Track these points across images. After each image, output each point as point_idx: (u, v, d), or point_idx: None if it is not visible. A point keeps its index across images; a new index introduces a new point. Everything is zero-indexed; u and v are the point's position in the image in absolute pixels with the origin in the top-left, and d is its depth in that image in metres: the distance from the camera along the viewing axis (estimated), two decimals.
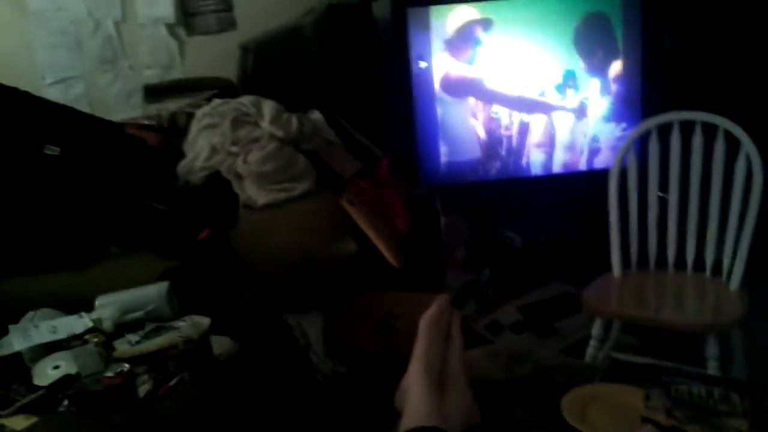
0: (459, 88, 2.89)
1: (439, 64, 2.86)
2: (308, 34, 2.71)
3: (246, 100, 2.29)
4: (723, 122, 2.07)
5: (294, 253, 1.86)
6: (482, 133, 2.95)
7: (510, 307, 2.60)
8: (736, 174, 2.04)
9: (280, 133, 2.15)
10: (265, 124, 2.18)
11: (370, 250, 2.01)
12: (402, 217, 2.21)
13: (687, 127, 2.13)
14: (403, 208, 2.24)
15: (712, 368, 1.89)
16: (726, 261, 2.08)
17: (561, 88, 2.95)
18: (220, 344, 1.61)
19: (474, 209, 2.92)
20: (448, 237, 2.53)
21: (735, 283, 2.03)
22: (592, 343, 2.07)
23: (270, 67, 2.69)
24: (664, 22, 3.16)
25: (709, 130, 2.10)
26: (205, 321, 1.55)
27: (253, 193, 2.02)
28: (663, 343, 2.25)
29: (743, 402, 1.22)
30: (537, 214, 2.98)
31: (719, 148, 2.07)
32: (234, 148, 2.13)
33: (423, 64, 2.86)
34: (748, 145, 2.01)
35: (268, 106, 2.24)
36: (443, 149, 2.93)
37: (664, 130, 2.17)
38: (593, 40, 2.91)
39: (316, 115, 2.37)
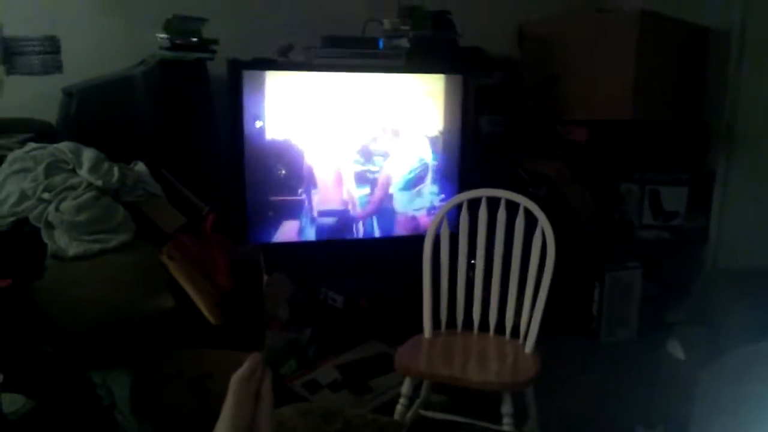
0: (288, 151, 2.97)
1: (272, 125, 2.92)
2: (137, 85, 2.67)
3: (64, 146, 2.20)
4: (523, 200, 2.29)
5: (103, 307, 1.78)
6: (311, 194, 3.04)
7: (329, 365, 2.63)
8: (533, 246, 2.26)
9: (98, 183, 2.08)
10: (83, 172, 2.10)
11: (189, 306, 1.97)
12: (224, 274, 2.20)
13: (493, 203, 2.34)
14: (226, 264, 2.23)
15: (507, 425, 2.02)
16: (523, 325, 2.27)
17: (385, 160, 3.12)
18: (13, 402, 1.50)
19: (299, 269, 2.96)
20: (270, 295, 2.54)
21: (530, 345, 2.22)
22: (402, 401, 2.15)
23: (94, 115, 2.61)
24: (482, 109, 3.49)
25: (512, 207, 2.32)
26: None
27: (63, 243, 1.92)
28: (471, 401, 2.39)
29: None
30: (360, 276, 3.08)
31: (519, 222, 2.30)
32: (47, 195, 2.03)
33: (258, 124, 2.91)
34: (543, 221, 2.24)
35: (88, 154, 2.17)
36: (272, 208, 2.97)
37: (475, 204, 2.37)
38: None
39: (140, 166, 2.32)
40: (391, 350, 2.23)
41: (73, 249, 1.90)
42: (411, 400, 2.18)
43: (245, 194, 2.89)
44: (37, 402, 1.55)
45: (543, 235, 2.23)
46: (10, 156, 2.15)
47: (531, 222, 2.27)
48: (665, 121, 3.56)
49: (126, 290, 1.87)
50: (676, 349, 2.94)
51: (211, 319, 1.94)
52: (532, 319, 2.22)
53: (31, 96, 2.89)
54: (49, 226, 1.96)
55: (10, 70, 2.94)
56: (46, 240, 1.92)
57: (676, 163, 3.64)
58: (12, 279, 1.75)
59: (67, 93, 2.66)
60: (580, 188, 3.52)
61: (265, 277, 2.48)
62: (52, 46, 3.01)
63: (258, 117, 2.90)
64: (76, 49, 3.01)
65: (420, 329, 2.34)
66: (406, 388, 2.15)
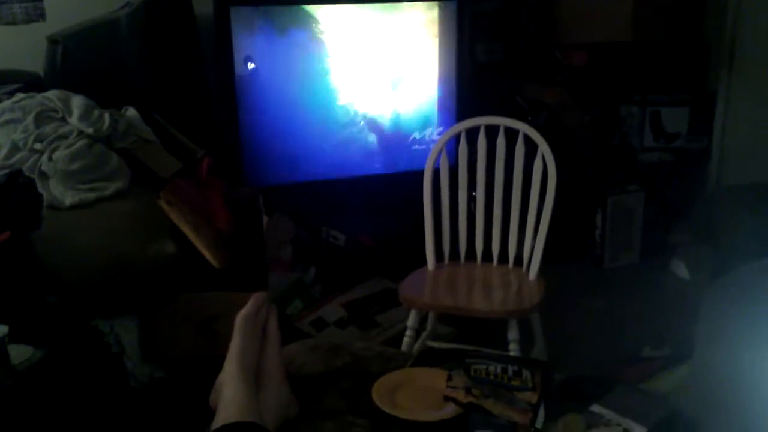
0: (283, 89, 2.91)
1: (264, 65, 2.85)
2: (123, 28, 2.60)
3: (53, 94, 2.15)
4: (522, 127, 2.26)
5: (104, 256, 1.78)
6: (307, 134, 2.99)
7: (334, 303, 2.66)
8: (534, 173, 2.24)
9: (89, 130, 2.04)
10: (74, 120, 2.06)
11: (191, 250, 1.96)
12: (223, 217, 2.18)
13: (492, 131, 2.30)
14: (224, 207, 2.21)
15: (513, 350, 2.04)
16: (526, 252, 2.27)
17: (383, 93, 3.06)
18: (20, 353, 1.51)
19: (300, 209, 2.95)
20: (272, 236, 2.54)
21: (533, 272, 2.23)
22: (408, 332, 2.17)
23: (81, 61, 2.55)
24: (479, 36, 3.40)
25: (511, 135, 2.28)
26: (0, 329, 1.44)
27: (59, 192, 1.90)
28: (478, 331, 2.41)
29: (533, 377, 1.35)
30: (361, 213, 3.07)
31: (519, 149, 2.26)
32: (38, 146, 1.99)
33: (250, 66, 2.84)
34: (543, 148, 2.21)
35: (77, 102, 2.12)
36: (268, 148, 2.93)
37: (473, 134, 2.33)
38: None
39: (131, 112, 2.27)
40: (396, 286, 2.24)
41: (69, 198, 1.89)
42: (417, 332, 2.20)
43: (240, 136, 2.85)
44: (45, 352, 1.56)
45: (544, 161, 2.20)
46: None
47: (531, 149, 2.24)
48: (666, 41, 3.48)
49: (126, 237, 1.86)
50: (680, 269, 2.95)
51: (214, 263, 1.93)
52: (535, 246, 2.22)
53: (16, 46, 2.82)
54: (44, 176, 1.93)
55: None
56: (41, 190, 1.90)
57: (677, 83, 3.57)
58: (10, 231, 1.74)
59: (52, 41, 2.59)
60: (581, 114, 3.47)
61: (266, 219, 2.46)
62: None
63: (249, 55, 2.83)
64: None
65: (423, 264, 2.34)
66: (412, 320, 2.17)
